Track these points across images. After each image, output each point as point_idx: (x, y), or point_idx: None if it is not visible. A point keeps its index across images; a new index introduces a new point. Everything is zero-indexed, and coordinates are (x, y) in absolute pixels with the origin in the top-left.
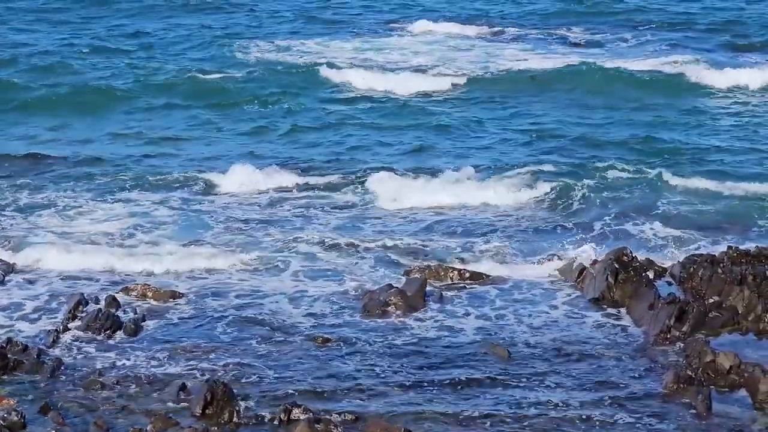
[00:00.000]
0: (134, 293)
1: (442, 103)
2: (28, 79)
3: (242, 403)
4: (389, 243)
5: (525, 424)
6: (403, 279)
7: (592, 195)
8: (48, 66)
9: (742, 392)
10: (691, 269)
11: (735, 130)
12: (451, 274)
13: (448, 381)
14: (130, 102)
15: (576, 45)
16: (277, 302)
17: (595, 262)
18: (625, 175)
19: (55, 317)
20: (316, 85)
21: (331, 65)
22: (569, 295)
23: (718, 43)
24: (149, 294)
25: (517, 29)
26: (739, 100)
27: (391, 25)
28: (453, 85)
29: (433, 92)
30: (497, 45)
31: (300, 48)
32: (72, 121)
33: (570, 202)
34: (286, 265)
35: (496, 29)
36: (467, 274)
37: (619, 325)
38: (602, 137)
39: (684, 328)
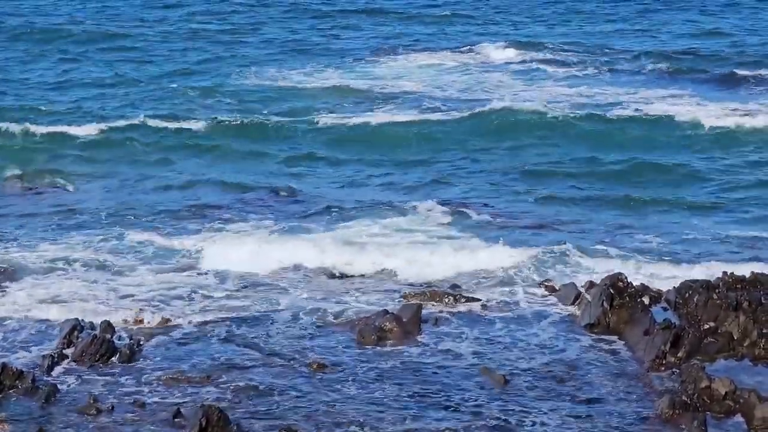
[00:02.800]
0: (130, 319)
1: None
2: None
3: (237, 429)
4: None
5: None
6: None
7: (587, 223)
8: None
9: (738, 418)
10: (687, 295)
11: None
12: (446, 300)
13: (444, 407)
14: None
15: (565, 76)
16: (273, 328)
17: (590, 287)
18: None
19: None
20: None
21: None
22: (565, 320)
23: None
24: (144, 319)
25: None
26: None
27: (380, 54)
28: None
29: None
30: (484, 74)
31: (285, 76)
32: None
33: (565, 230)
34: (283, 291)
35: (484, 57)
36: (463, 300)
37: (614, 351)
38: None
39: (679, 354)
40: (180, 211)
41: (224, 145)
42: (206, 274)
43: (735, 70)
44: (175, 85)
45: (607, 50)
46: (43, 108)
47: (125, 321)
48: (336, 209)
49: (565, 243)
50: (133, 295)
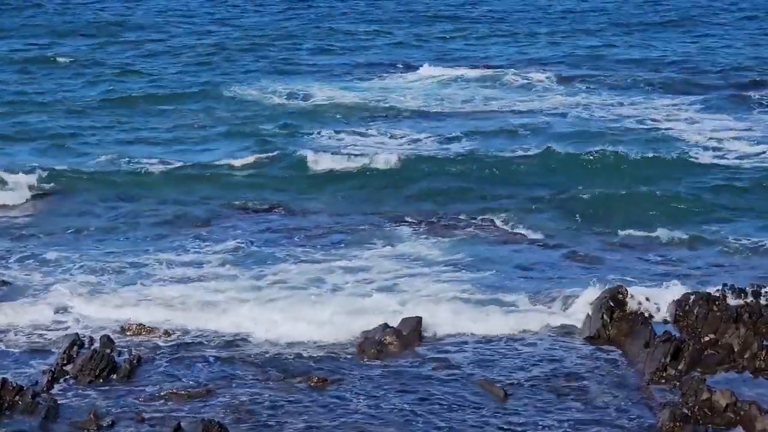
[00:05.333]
0: (129, 333)
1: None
2: None
3: None
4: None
5: None
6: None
7: (586, 234)
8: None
9: (739, 430)
10: (687, 307)
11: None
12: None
13: (446, 420)
14: None
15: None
16: (273, 342)
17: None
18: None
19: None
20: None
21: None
22: (565, 332)
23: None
24: (144, 333)
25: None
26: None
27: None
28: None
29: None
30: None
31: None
32: None
33: (564, 243)
34: (280, 303)
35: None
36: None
37: (614, 363)
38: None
39: (680, 366)
40: (174, 227)
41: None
42: (204, 286)
43: (734, 88)
44: (169, 107)
45: (608, 67)
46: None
47: (127, 334)
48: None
49: (565, 258)
50: (133, 309)
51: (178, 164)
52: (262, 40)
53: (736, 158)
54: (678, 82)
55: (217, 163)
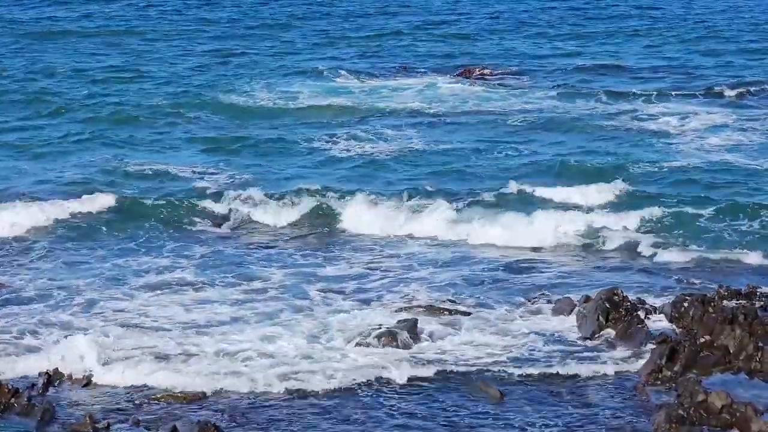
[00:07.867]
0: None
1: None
2: None
3: None
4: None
5: None
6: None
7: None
8: None
9: None
10: (682, 308)
11: None
12: (443, 314)
13: (443, 423)
14: None
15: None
16: (268, 345)
17: (586, 301)
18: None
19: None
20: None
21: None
22: (561, 334)
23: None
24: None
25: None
26: None
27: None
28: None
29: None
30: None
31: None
32: None
33: (560, 245)
34: (275, 305)
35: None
36: (459, 314)
37: (610, 365)
38: None
39: (675, 368)
40: (160, 238)
41: None
42: (202, 291)
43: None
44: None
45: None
46: None
47: None
48: None
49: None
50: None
51: (164, 170)
52: (252, 41)
53: (730, 158)
54: (664, 87)
55: (205, 169)
